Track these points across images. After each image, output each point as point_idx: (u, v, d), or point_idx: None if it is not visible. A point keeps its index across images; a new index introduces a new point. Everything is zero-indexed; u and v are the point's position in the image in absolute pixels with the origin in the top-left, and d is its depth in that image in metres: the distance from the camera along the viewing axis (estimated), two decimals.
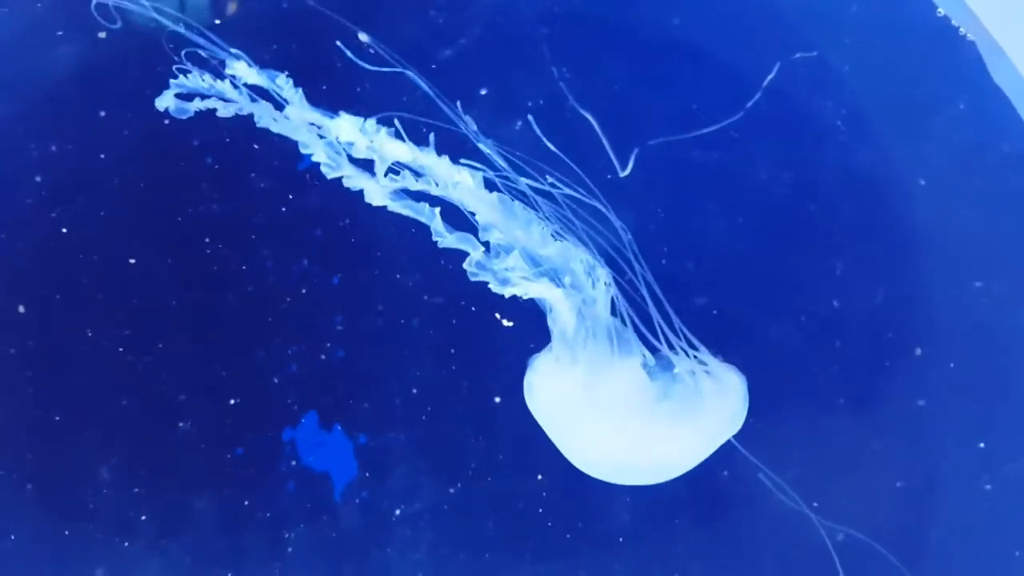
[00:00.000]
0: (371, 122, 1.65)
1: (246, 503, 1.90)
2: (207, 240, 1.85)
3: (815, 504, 1.82)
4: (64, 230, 1.85)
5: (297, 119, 1.66)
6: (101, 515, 1.88)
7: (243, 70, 1.66)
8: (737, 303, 1.83)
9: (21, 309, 1.87)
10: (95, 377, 1.87)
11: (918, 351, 1.83)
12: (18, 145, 1.86)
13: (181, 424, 1.89)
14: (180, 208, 1.85)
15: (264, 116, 1.66)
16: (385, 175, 1.65)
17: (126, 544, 1.88)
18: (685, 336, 1.70)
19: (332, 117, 1.67)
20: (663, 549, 1.90)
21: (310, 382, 1.91)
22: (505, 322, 1.83)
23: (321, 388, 1.91)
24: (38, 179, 1.85)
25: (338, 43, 1.73)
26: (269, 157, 1.83)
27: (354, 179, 1.66)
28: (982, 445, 1.88)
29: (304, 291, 1.88)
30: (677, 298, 1.80)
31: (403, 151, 1.66)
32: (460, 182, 1.66)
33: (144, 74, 1.76)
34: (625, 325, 1.70)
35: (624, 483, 1.77)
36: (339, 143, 1.66)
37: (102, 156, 1.85)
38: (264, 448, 1.91)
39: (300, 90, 1.65)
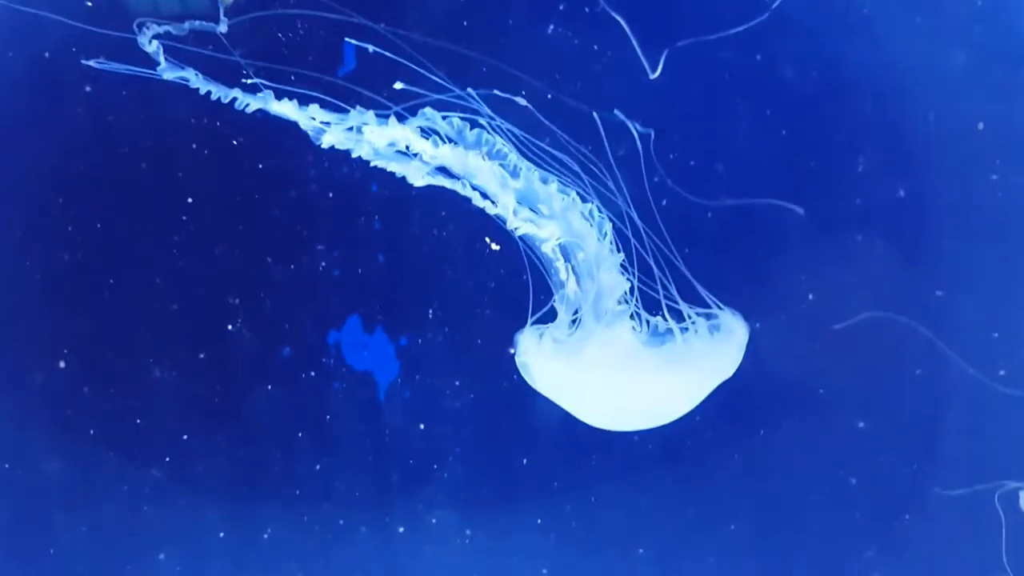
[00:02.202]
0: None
1: (293, 401, 1.99)
2: (253, 149, 1.92)
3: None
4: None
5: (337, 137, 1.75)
6: (154, 412, 1.98)
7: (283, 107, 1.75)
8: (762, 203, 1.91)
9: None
10: (148, 281, 1.95)
11: (938, 244, 1.92)
12: None
13: (230, 327, 1.97)
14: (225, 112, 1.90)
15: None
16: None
17: (184, 437, 1.98)
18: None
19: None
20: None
21: (352, 287, 1.99)
22: (493, 245, 1.90)
23: (363, 293, 1.99)
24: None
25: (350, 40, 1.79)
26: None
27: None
28: (996, 335, 1.96)
29: (345, 198, 1.95)
30: (703, 204, 1.90)
31: (423, 144, 1.75)
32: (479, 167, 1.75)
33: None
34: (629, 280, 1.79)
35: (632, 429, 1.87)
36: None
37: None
38: (310, 350, 2.00)
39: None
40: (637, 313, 1.81)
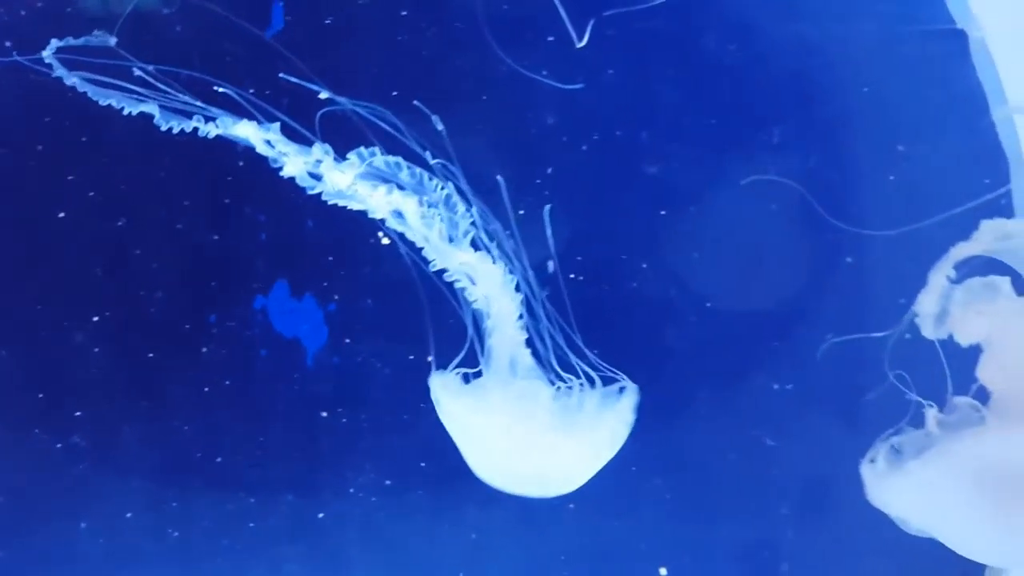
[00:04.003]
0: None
1: (220, 368, 1.98)
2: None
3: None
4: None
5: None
6: (77, 378, 1.95)
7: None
8: (684, 166, 1.97)
9: None
10: (69, 246, 1.92)
11: (848, 212, 2.00)
12: None
13: (159, 294, 1.95)
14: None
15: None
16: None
17: (108, 404, 1.95)
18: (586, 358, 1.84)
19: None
20: None
21: (280, 252, 1.98)
22: (384, 240, 1.92)
23: (291, 258, 1.99)
24: None
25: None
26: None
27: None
28: (902, 301, 2.06)
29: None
30: (628, 166, 1.96)
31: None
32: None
33: None
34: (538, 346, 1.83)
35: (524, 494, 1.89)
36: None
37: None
38: (237, 316, 1.99)
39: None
40: (549, 371, 1.85)
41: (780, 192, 1.96)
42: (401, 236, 1.79)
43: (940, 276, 1.67)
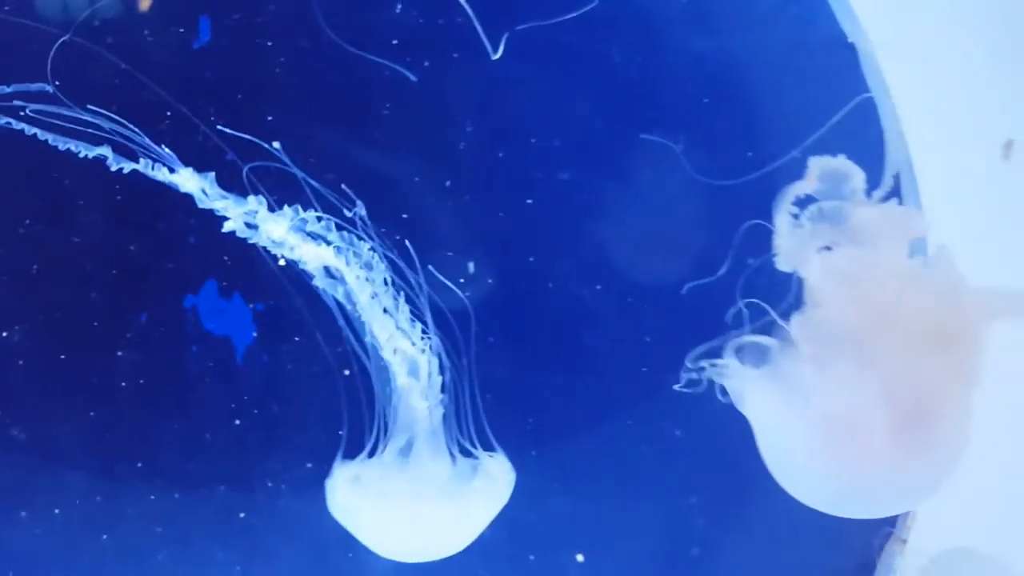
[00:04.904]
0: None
1: (152, 364, 2.06)
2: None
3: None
4: None
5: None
6: (11, 377, 2.03)
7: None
8: (593, 174, 2.08)
9: None
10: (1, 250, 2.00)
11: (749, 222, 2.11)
12: None
13: (93, 295, 2.04)
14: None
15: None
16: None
17: (40, 403, 2.02)
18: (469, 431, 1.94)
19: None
20: None
21: (208, 253, 2.06)
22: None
23: (219, 259, 2.07)
24: None
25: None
26: None
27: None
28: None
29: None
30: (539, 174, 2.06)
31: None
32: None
33: None
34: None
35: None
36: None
37: None
38: (167, 315, 2.08)
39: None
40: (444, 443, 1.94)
41: (685, 193, 2.07)
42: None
43: (783, 216, 1.66)
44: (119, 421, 2.07)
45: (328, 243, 1.85)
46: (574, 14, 1.96)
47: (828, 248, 1.64)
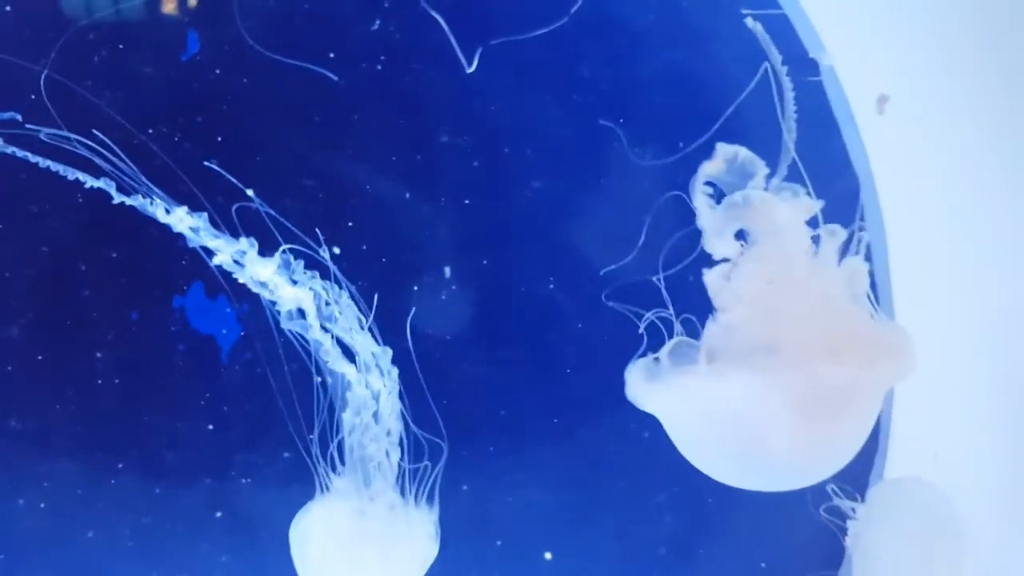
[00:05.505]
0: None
1: (141, 361, 2.17)
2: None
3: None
4: None
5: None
6: (4, 372, 2.13)
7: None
8: (564, 182, 2.17)
9: None
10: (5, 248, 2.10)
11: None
12: None
13: (86, 293, 2.14)
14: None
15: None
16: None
17: (32, 399, 2.13)
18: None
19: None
20: None
21: (196, 255, 2.16)
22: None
23: (206, 261, 2.17)
24: None
25: None
26: None
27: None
28: None
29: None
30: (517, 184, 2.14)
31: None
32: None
33: None
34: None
35: None
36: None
37: None
38: (156, 314, 2.18)
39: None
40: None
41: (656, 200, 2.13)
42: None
43: (699, 197, 1.66)
44: (109, 416, 2.17)
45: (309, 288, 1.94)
46: (545, 30, 2.05)
47: (742, 233, 1.66)
